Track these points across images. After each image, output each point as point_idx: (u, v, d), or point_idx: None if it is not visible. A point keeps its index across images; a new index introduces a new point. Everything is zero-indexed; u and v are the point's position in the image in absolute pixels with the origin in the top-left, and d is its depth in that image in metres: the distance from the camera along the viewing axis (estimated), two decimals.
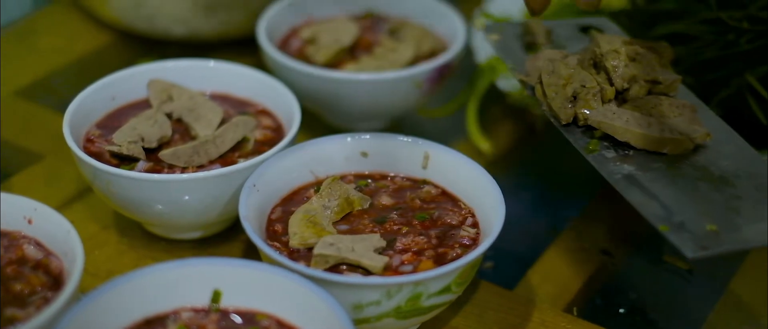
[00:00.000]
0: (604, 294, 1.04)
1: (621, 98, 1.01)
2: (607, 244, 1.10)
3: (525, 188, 1.18)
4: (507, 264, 1.07)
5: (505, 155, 1.22)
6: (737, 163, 0.96)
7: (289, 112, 1.09)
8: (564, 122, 0.99)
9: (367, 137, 1.05)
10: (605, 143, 0.98)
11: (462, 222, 0.99)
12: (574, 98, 1.00)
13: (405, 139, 1.05)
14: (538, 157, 1.24)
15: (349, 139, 1.05)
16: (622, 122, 0.97)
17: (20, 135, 1.24)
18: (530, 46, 1.11)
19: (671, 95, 1.02)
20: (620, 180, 0.94)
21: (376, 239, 0.95)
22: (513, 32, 1.12)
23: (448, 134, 1.10)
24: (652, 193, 0.92)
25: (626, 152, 0.97)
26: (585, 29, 1.14)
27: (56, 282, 0.93)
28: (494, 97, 1.25)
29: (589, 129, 1.00)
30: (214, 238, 1.09)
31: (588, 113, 0.99)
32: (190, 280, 0.90)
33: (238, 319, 0.90)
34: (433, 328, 0.99)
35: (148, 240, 1.09)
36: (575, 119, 1.00)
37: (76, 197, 1.14)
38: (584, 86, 0.99)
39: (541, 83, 1.02)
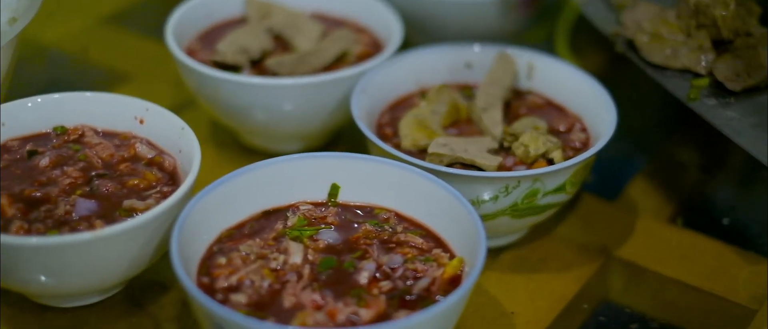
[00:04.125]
0: (706, 207, 1.05)
1: (721, 48, 1.02)
2: (703, 160, 1.11)
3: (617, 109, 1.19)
4: (607, 179, 1.07)
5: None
6: None
7: (388, 28, 1.10)
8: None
9: (472, 47, 1.06)
10: (704, 91, 0.99)
11: (571, 128, 0.99)
12: (673, 50, 1.02)
13: (509, 49, 1.05)
14: (627, 81, 1.24)
15: (454, 49, 1.06)
16: (724, 69, 0.99)
17: (109, 58, 1.25)
18: (617, 6, 1.12)
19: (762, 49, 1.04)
20: (726, 125, 0.95)
21: (488, 141, 0.96)
22: None
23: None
24: (759, 136, 0.94)
25: (727, 99, 0.98)
26: None
27: (171, 178, 0.93)
28: (582, 26, 1.25)
29: (684, 77, 1.01)
30: (314, 151, 1.10)
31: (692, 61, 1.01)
32: (309, 174, 0.91)
33: (357, 212, 0.90)
34: (540, 236, 1.00)
35: (246, 154, 1.10)
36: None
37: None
38: (688, 37, 1.02)
39: (640, 33, 1.04)
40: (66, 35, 1.29)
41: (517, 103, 1.03)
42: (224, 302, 0.81)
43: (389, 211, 0.90)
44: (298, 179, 0.91)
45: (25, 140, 0.96)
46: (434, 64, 1.05)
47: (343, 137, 1.12)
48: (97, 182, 0.92)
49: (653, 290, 0.96)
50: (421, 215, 0.89)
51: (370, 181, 0.91)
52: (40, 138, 0.96)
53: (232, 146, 1.11)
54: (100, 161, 0.94)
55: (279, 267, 0.84)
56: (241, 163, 1.08)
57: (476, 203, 0.91)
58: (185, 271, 0.80)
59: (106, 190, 0.91)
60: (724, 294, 0.95)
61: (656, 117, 1.20)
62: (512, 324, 0.91)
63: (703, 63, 1.01)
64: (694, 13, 1.04)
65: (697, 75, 1.01)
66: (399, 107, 1.03)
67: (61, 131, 0.97)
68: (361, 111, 0.97)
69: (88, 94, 0.98)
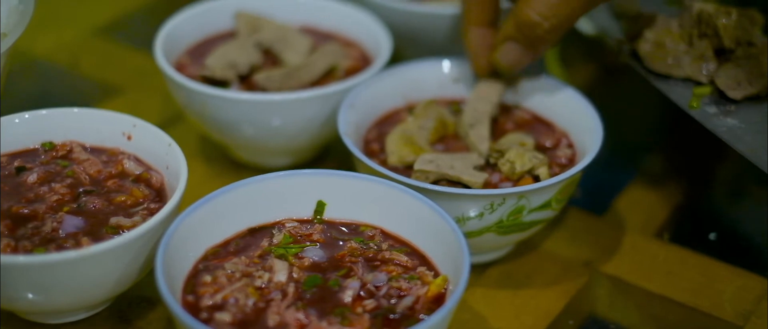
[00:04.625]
0: (693, 221, 1.05)
1: (723, 57, 1.03)
2: (691, 174, 1.11)
3: (604, 122, 1.19)
4: (594, 193, 1.08)
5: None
6: None
7: (377, 41, 1.10)
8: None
9: (460, 62, 1.06)
10: (705, 100, 1.00)
11: (557, 144, 1.00)
12: (675, 59, 1.02)
13: None
14: (617, 94, 1.25)
15: (442, 64, 1.06)
16: (726, 78, 1.00)
17: (100, 71, 1.26)
18: (620, 16, 1.12)
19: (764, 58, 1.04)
20: (726, 133, 0.96)
21: (475, 158, 0.96)
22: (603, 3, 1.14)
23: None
24: (759, 144, 0.94)
25: (728, 107, 0.99)
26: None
27: (158, 195, 0.94)
28: (571, 37, 1.26)
29: (686, 85, 1.02)
30: (302, 167, 1.10)
31: (694, 69, 1.02)
32: (295, 191, 0.91)
33: (342, 229, 0.91)
34: (526, 252, 1.00)
35: (235, 168, 1.10)
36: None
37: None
38: (690, 46, 1.02)
39: (643, 42, 1.04)
40: (57, 47, 1.29)
41: (504, 118, 1.03)
42: (209, 320, 0.81)
43: (375, 228, 0.90)
44: (284, 197, 0.91)
45: (14, 156, 0.96)
46: (422, 79, 1.06)
47: (332, 152, 1.12)
48: (84, 198, 0.92)
49: (639, 306, 0.96)
50: (406, 232, 0.90)
51: (355, 198, 0.91)
52: (28, 154, 0.97)
53: (222, 160, 1.12)
54: (87, 177, 0.95)
55: (264, 285, 0.84)
56: (230, 177, 1.09)
57: (462, 220, 0.91)
58: (170, 289, 0.80)
59: (94, 207, 0.91)
60: (709, 310, 0.95)
61: (645, 131, 1.20)
62: None
63: (705, 72, 1.01)
64: (697, 22, 1.04)
65: (698, 84, 1.02)
66: (386, 122, 1.03)
67: (50, 147, 0.97)
68: (348, 127, 0.97)
69: (76, 110, 0.98)
